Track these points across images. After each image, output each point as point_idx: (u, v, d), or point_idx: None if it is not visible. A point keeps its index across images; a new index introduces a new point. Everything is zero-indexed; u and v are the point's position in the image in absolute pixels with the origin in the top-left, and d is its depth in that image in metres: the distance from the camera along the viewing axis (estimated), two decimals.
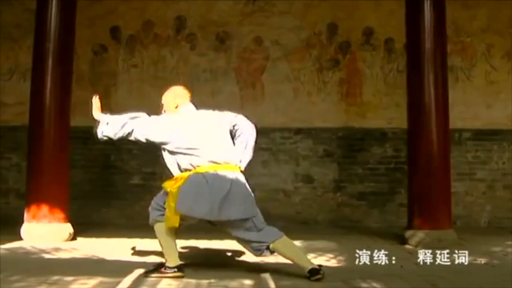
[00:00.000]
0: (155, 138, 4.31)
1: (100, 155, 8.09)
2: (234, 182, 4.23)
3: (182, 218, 4.24)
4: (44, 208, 6.02)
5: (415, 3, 6.32)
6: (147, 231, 6.71)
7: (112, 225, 7.49)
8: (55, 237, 5.95)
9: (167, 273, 4.26)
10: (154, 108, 8.19)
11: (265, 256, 4.42)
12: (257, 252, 4.37)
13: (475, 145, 8.29)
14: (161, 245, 4.39)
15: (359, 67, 8.35)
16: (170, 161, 4.36)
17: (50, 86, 6.17)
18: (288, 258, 4.37)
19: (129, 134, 4.31)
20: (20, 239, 5.94)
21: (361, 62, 8.35)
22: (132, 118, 4.34)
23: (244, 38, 8.32)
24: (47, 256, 5.32)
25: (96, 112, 4.43)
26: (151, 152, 8.02)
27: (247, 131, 4.45)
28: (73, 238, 6.18)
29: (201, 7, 8.33)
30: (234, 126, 4.43)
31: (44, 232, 5.93)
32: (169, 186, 4.27)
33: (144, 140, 4.33)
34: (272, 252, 4.35)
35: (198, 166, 4.22)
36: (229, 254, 5.47)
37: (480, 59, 8.36)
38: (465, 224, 7.83)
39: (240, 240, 4.41)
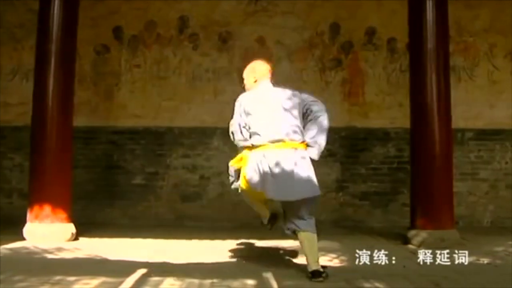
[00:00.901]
0: (242, 127, 4.52)
1: (102, 155, 8.09)
2: (293, 162, 4.32)
3: None
4: (47, 208, 6.02)
5: (418, 3, 6.31)
6: (150, 231, 6.78)
7: (115, 225, 7.49)
8: (57, 237, 5.95)
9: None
10: (156, 108, 8.25)
11: (288, 235, 4.50)
12: (286, 229, 4.46)
13: (477, 145, 8.27)
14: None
15: (361, 67, 8.33)
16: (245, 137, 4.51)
17: (53, 86, 6.17)
18: (302, 249, 4.42)
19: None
20: (23, 239, 5.95)
21: (364, 62, 8.33)
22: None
23: (247, 38, 8.31)
24: (49, 256, 5.33)
25: None
26: (154, 152, 8.08)
27: (321, 119, 4.50)
28: (76, 238, 6.18)
29: (204, 7, 8.31)
30: (307, 110, 4.51)
31: (47, 232, 5.94)
32: (237, 164, 4.48)
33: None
34: (294, 235, 4.43)
35: (260, 145, 4.37)
36: (232, 254, 5.48)
37: (482, 58, 8.34)
38: (467, 224, 7.82)
39: (285, 213, 4.50)
